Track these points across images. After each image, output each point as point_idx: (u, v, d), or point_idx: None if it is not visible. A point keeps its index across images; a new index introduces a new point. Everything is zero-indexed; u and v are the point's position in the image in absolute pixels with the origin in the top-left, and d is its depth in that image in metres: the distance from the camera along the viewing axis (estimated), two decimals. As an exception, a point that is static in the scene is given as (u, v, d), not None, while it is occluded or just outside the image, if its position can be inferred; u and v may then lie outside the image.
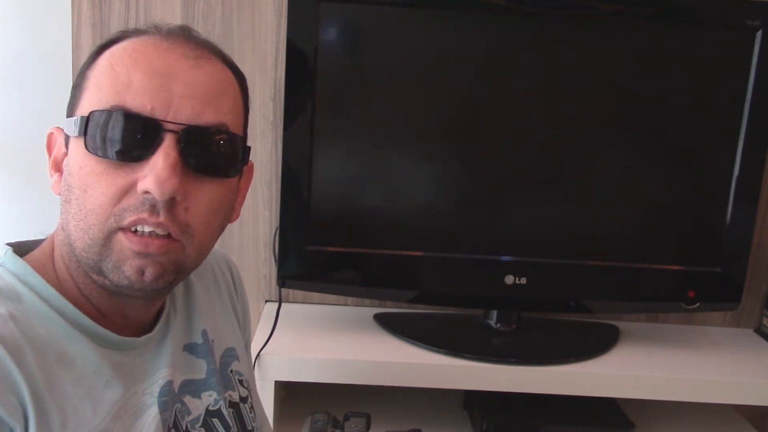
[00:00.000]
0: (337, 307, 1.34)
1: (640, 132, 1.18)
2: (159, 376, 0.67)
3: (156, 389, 0.65)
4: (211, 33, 1.24)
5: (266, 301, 1.33)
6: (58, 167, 0.64)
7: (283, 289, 1.23)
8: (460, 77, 1.14)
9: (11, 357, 0.55)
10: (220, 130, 0.62)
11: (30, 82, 1.27)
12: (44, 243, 0.66)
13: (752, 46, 1.14)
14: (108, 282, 0.60)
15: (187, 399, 0.69)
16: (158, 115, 0.58)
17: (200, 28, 1.21)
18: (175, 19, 1.24)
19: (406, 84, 1.15)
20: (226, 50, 0.68)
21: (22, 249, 0.65)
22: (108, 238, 0.58)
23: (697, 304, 1.20)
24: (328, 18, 1.10)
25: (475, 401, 1.22)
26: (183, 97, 0.59)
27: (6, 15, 1.25)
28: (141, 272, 0.59)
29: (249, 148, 0.67)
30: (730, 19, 1.14)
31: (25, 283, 0.61)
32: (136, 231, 0.58)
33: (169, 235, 0.59)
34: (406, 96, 1.15)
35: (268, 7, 1.25)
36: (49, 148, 0.65)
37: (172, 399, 0.67)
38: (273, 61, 1.26)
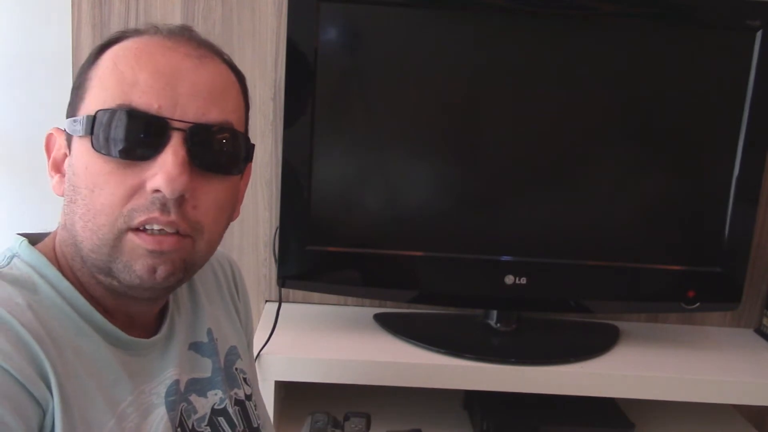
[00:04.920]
0: (337, 307, 1.34)
1: (640, 132, 1.18)
2: (166, 376, 0.67)
3: (163, 389, 0.66)
4: (211, 33, 1.24)
5: (266, 301, 1.33)
6: (58, 168, 0.64)
7: (283, 289, 1.23)
8: (460, 77, 1.14)
9: (38, 343, 0.55)
10: (225, 128, 0.62)
11: (30, 82, 1.27)
12: (47, 239, 0.66)
13: (752, 46, 1.14)
14: (117, 283, 0.60)
15: (193, 398, 0.70)
16: (165, 113, 0.59)
17: (200, 28, 1.21)
18: (175, 19, 1.24)
19: (406, 84, 1.15)
20: (226, 50, 0.68)
21: (31, 242, 0.65)
22: (118, 238, 0.59)
23: (697, 304, 1.20)
24: (328, 18, 1.10)
25: (475, 401, 1.22)
26: (189, 95, 0.60)
27: (6, 15, 1.25)
28: (153, 270, 0.59)
29: (253, 145, 0.68)
30: (730, 19, 1.14)
31: (42, 275, 0.61)
32: (145, 230, 0.58)
33: (178, 233, 0.60)
34: (406, 96, 1.15)
35: (268, 7, 1.25)
36: (48, 149, 0.65)
37: (178, 398, 0.67)
38: (273, 62, 1.26)
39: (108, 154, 0.58)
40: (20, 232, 0.65)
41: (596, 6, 1.14)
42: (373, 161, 1.16)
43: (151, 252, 0.58)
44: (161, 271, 0.59)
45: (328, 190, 1.15)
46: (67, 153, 0.62)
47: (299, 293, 1.32)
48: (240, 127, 0.65)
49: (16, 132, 1.28)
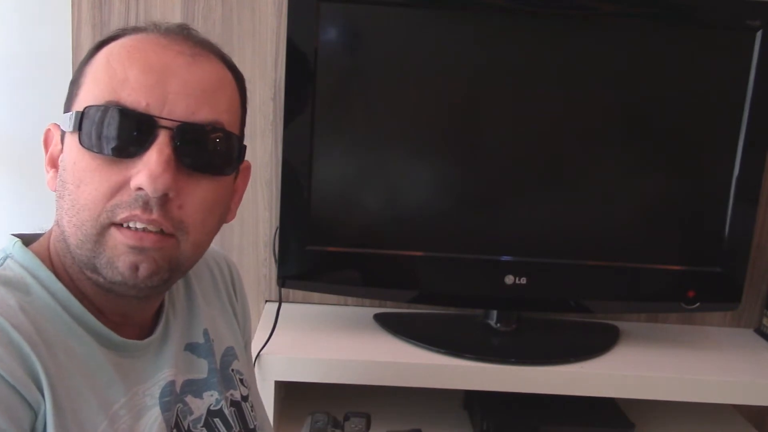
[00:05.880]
0: (337, 307, 1.34)
1: (640, 132, 1.18)
2: (160, 377, 0.66)
3: (157, 390, 0.65)
4: (211, 33, 1.24)
5: (266, 301, 1.33)
6: (54, 163, 0.64)
7: (283, 289, 1.23)
8: (460, 77, 1.14)
9: (29, 345, 0.55)
10: (215, 127, 0.61)
11: (30, 81, 1.27)
12: (41, 238, 0.66)
13: (752, 46, 1.14)
14: (102, 279, 0.60)
15: (189, 399, 0.69)
16: (153, 111, 0.58)
17: (200, 28, 1.21)
18: (175, 19, 1.24)
19: (406, 84, 1.15)
20: (226, 50, 0.68)
21: (25, 242, 0.64)
22: (101, 233, 0.58)
23: (697, 304, 1.20)
24: (328, 18, 1.10)
25: (475, 401, 1.22)
26: (178, 94, 0.59)
27: (5, 15, 1.25)
28: (135, 268, 0.59)
29: (245, 147, 0.67)
30: (730, 19, 1.14)
31: (35, 277, 0.60)
32: (128, 227, 0.58)
33: (162, 232, 0.59)
34: (406, 96, 1.15)
35: (268, 7, 1.25)
36: (46, 144, 0.65)
37: (173, 399, 0.67)
38: (273, 61, 1.26)
39: (95, 150, 0.58)
40: (15, 232, 0.65)
41: (596, 6, 1.14)
42: (373, 161, 1.16)
43: (132, 248, 0.58)
44: (143, 270, 0.59)
45: (328, 190, 1.15)
46: (62, 149, 0.62)
47: (299, 293, 1.32)
48: (232, 128, 0.64)
49: (16, 132, 1.28)
